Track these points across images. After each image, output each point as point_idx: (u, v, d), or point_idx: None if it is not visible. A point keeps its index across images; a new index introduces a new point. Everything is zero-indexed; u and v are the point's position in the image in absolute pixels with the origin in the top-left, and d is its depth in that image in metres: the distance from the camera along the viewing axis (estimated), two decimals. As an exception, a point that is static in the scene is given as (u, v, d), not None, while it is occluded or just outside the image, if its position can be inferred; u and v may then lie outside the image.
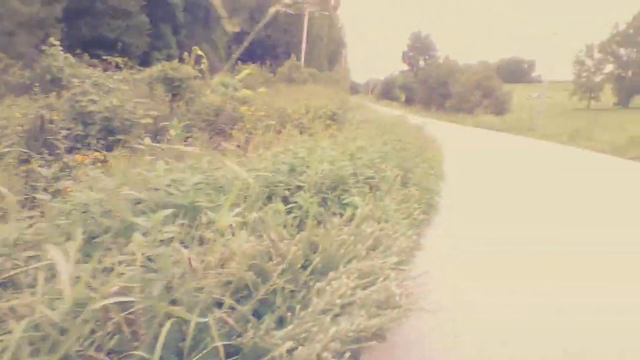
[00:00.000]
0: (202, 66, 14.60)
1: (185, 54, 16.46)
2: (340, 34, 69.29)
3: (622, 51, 69.44)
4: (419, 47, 64.33)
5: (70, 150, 7.79)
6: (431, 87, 52.98)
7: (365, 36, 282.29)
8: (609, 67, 70.48)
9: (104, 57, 18.49)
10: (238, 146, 8.84)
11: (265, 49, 47.59)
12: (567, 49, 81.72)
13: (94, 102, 8.74)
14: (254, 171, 4.95)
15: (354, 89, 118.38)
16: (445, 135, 18.75)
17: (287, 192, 4.87)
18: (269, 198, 4.79)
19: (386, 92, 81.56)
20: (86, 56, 19.41)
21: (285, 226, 3.90)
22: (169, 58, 31.95)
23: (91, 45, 25.36)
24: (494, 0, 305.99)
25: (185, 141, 8.98)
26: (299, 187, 4.97)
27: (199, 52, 16.03)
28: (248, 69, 17.25)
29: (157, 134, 9.68)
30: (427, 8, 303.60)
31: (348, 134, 11.17)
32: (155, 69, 11.58)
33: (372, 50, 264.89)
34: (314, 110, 14.53)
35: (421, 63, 64.27)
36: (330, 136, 10.44)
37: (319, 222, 4.44)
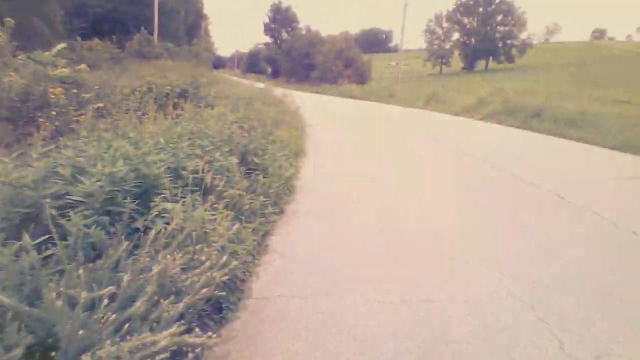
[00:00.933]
0: None
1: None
2: (199, 5, 65.22)
3: (465, 20, 74.73)
4: (281, 19, 62.86)
5: None
6: (295, 59, 52.05)
7: (229, 8, 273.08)
8: (456, 35, 75.72)
9: None
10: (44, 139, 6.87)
11: (114, 24, 42.89)
12: (420, 19, 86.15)
13: None
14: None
15: (220, 64, 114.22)
16: (306, 105, 17.84)
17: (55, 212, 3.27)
18: (24, 224, 3.19)
19: (252, 65, 79.30)
20: None
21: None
22: (-11, 34, 27.17)
23: None
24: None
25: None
26: (79, 202, 3.39)
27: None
28: (63, 44, 14.55)
29: None
30: None
31: (194, 114, 9.58)
32: None
33: (237, 23, 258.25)
34: (156, 88, 12.57)
35: (284, 35, 62.98)
36: (172, 117, 8.79)
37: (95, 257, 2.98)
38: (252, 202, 4.94)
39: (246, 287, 3.64)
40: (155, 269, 2.37)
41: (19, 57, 11.41)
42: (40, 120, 8.33)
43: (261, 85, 24.64)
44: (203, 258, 2.76)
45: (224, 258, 2.80)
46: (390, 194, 6.88)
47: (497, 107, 16.44)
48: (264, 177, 5.96)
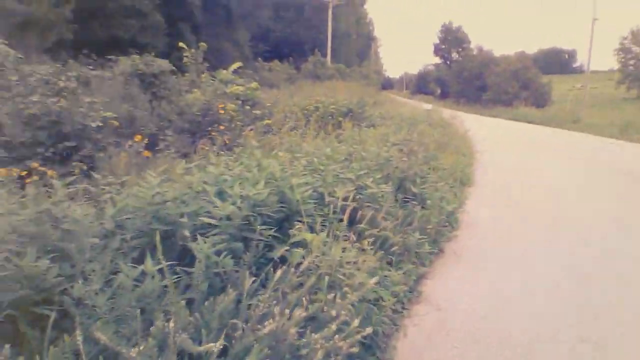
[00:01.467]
0: (185, 60, 12.99)
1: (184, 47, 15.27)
2: (369, 28, 66.95)
3: (672, 36, 64.48)
4: (451, 39, 61.07)
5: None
6: (466, 80, 49.87)
7: (398, 30, 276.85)
8: (660, 54, 65.65)
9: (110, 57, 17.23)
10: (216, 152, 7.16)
11: (292, 47, 46.02)
12: (609, 37, 76.84)
13: (37, 102, 7.18)
14: (139, 199, 3.17)
15: (388, 85, 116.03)
16: (476, 129, 16.60)
17: (188, 234, 3.04)
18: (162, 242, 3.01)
19: (421, 86, 78.47)
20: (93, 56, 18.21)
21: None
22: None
23: (106, 46, 24.32)
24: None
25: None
26: (211, 226, 3.13)
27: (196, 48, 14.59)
28: (239, 62, 15.53)
29: (128, 137, 8.12)
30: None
31: (354, 134, 9.32)
32: (127, 63, 9.99)
33: (405, 44, 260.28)
34: (323, 107, 12.68)
35: (454, 55, 61.04)
36: (332, 137, 8.63)
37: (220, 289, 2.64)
38: (405, 238, 4.30)
39: (390, 346, 2.97)
40: (269, 326, 1.89)
41: (203, 76, 12.38)
42: (213, 133, 8.76)
43: (428, 106, 23.86)
44: (333, 313, 2.21)
45: (356, 321, 2.18)
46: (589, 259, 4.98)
47: None
48: (422, 209, 5.28)
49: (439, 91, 66.82)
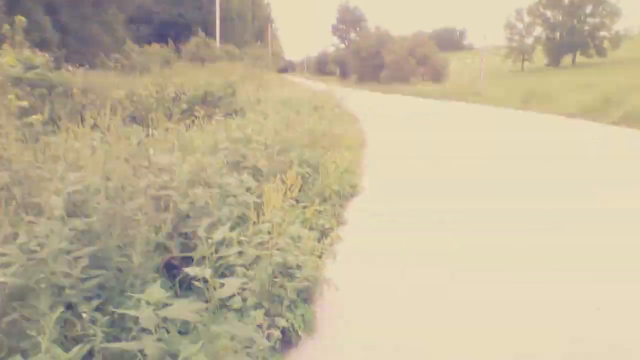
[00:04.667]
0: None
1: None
2: (267, 10, 62.97)
3: (549, 13, 67.01)
4: (349, 19, 58.91)
5: None
6: (364, 59, 47.77)
7: (299, 13, 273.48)
8: (538, 30, 68.14)
9: None
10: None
11: (179, 29, 40.97)
12: (494, 15, 79.42)
13: None
14: None
15: (291, 68, 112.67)
16: (368, 108, 13.89)
17: None
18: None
19: (321, 67, 75.87)
20: None
21: None
22: (43, 42, 25.42)
23: None
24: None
25: None
26: None
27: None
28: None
29: None
30: None
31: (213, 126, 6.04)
32: None
33: (308, 27, 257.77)
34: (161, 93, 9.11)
35: (352, 35, 58.98)
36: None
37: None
38: None
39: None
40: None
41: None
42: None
43: (323, 86, 20.87)
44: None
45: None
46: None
47: (638, 107, 11.52)
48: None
49: (338, 71, 64.56)
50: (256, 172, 4.11)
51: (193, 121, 7.42)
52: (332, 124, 8.58)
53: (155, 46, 27.69)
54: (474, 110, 17.74)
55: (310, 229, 3.92)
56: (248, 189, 3.45)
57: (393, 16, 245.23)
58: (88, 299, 2.01)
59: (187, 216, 2.76)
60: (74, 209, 2.45)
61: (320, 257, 3.35)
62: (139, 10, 40.61)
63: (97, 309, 1.99)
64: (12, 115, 6.02)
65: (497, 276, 3.43)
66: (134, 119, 8.01)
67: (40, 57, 8.78)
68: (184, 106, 8.60)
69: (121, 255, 2.28)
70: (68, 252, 2.01)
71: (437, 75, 38.71)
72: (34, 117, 5.07)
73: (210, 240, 2.05)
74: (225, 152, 4.08)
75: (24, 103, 5.98)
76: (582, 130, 11.58)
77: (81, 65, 22.78)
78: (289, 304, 2.61)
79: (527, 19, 68.29)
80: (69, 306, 1.95)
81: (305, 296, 2.83)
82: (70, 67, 11.27)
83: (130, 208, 2.43)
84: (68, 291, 1.95)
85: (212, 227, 2.46)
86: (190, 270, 1.90)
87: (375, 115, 15.20)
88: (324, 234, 4.05)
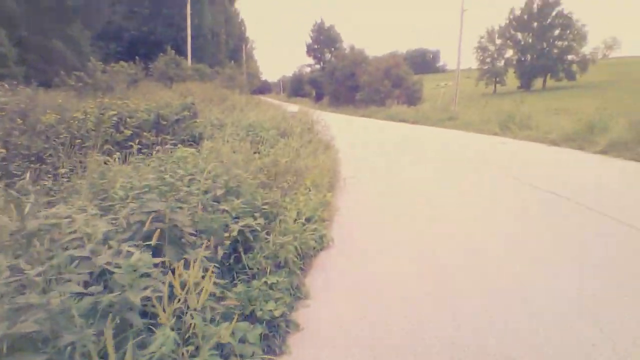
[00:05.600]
0: None
1: None
2: (241, 29, 62.10)
3: (519, 36, 68.03)
4: (323, 39, 58.32)
5: None
6: (339, 80, 47.04)
7: (276, 33, 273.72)
8: (510, 52, 69.10)
9: None
10: None
11: (149, 47, 39.66)
12: (468, 38, 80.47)
13: None
14: None
15: (266, 89, 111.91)
16: (344, 134, 12.82)
17: None
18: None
19: (296, 89, 74.99)
20: None
21: None
22: None
23: None
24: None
25: None
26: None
27: None
28: None
29: None
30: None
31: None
32: None
33: (284, 48, 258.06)
34: (109, 117, 7.90)
35: (327, 56, 58.37)
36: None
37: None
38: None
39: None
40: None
41: None
42: None
43: (294, 108, 19.84)
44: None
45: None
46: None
47: (624, 134, 10.79)
48: None
49: (314, 93, 63.79)
50: (172, 238, 2.97)
51: (131, 152, 6.28)
52: (299, 153, 7.49)
53: (123, 64, 26.32)
54: (451, 137, 16.84)
55: (253, 320, 2.79)
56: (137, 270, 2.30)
57: (367, 37, 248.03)
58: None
59: None
60: None
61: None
62: (108, 26, 39.21)
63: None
64: None
65: None
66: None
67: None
68: (129, 132, 7.40)
69: None
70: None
71: (412, 98, 38.21)
72: None
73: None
74: (131, 207, 2.94)
75: None
76: (579, 163, 10.21)
77: (42, 84, 21.40)
78: None
79: (498, 41, 69.23)
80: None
81: None
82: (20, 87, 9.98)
83: None
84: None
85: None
86: None
87: (349, 141, 14.20)
88: (272, 327, 2.92)
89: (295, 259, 3.79)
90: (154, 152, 5.88)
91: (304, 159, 7.15)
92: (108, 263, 2.14)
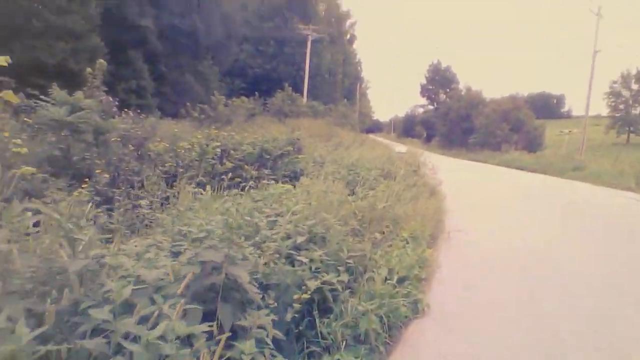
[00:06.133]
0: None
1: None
2: (357, 68, 63.36)
3: (660, 81, 61.08)
4: (439, 79, 57.10)
5: None
6: (452, 122, 45.45)
7: (389, 73, 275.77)
8: (646, 99, 62.13)
9: None
10: None
11: (271, 83, 41.72)
12: (596, 82, 74.10)
13: None
14: None
15: (377, 128, 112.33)
16: (454, 180, 11.85)
17: None
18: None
19: (407, 129, 74.08)
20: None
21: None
22: (139, 89, 26.44)
23: (29, 72, 19.96)
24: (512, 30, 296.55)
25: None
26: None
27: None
28: None
29: None
30: (447, 39, 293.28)
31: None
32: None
33: (397, 88, 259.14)
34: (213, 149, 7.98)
35: (442, 96, 56.96)
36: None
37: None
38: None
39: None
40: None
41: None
42: None
43: (402, 149, 19.22)
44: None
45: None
46: None
47: None
48: None
49: (425, 134, 62.42)
50: (229, 295, 2.52)
51: (231, 185, 6.15)
52: (400, 197, 6.84)
53: (243, 99, 27.81)
54: (577, 189, 14.89)
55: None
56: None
57: (486, 79, 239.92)
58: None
59: None
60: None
61: None
62: (235, 64, 42.20)
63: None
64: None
65: None
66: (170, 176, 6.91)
67: (90, 101, 8.02)
68: (230, 165, 7.36)
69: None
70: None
71: (532, 144, 35.46)
72: (25, 168, 3.95)
73: None
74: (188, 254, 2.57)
75: (23, 150, 4.97)
76: None
77: (170, 115, 23.24)
78: None
79: (635, 86, 62.65)
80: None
81: None
82: (132, 114, 10.71)
83: None
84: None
85: None
86: None
87: (458, 187, 13.16)
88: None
89: (380, 331, 3.16)
90: (247, 187, 5.68)
91: (404, 204, 6.49)
92: (126, 335, 1.75)
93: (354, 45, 60.20)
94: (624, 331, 3.79)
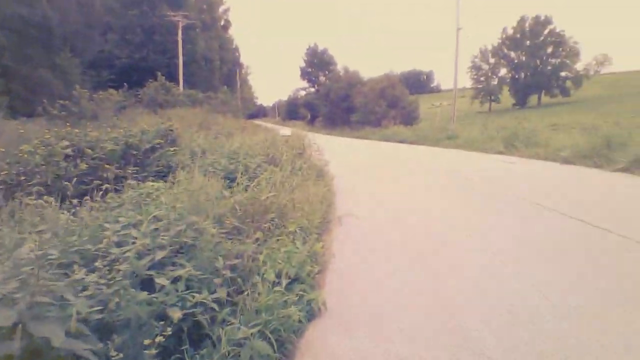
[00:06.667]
0: None
1: None
2: (235, 54, 61.59)
3: (512, 54, 67.90)
4: (317, 62, 57.72)
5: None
6: (333, 102, 46.23)
7: (271, 58, 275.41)
8: (503, 71, 68.87)
9: None
10: None
11: (142, 74, 38.63)
12: (460, 58, 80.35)
13: None
14: None
15: (262, 113, 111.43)
16: (340, 159, 11.65)
17: None
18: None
19: (291, 112, 74.29)
20: None
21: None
22: (-18, 87, 22.82)
23: None
24: (383, 14, 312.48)
25: None
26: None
27: None
28: None
29: None
30: (320, 24, 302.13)
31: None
32: None
33: (279, 73, 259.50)
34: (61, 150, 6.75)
35: (322, 79, 57.65)
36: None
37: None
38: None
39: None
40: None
41: None
42: None
43: (287, 132, 18.76)
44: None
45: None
46: None
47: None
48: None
49: (309, 116, 62.93)
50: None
51: (87, 191, 5.13)
52: (285, 185, 6.28)
53: (111, 91, 25.28)
54: (457, 158, 15.54)
55: None
56: None
57: (361, 60, 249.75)
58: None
59: None
60: None
61: None
62: (99, 54, 38.40)
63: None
64: None
65: None
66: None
67: None
68: (84, 166, 6.24)
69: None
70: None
71: (408, 118, 37.28)
72: None
73: None
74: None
75: None
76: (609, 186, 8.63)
77: (26, 114, 20.33)
78: None
79: (491, 60, 68.96)
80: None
81: None
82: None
83: None
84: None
85: None
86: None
87: (344, 165, 13.04)
88: None
89: (270, 352, 2.56)
90: (102, 191, 4.73)
91: (290, 192, 5.94)
92: None
93: (230, 31, 58.20)
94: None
